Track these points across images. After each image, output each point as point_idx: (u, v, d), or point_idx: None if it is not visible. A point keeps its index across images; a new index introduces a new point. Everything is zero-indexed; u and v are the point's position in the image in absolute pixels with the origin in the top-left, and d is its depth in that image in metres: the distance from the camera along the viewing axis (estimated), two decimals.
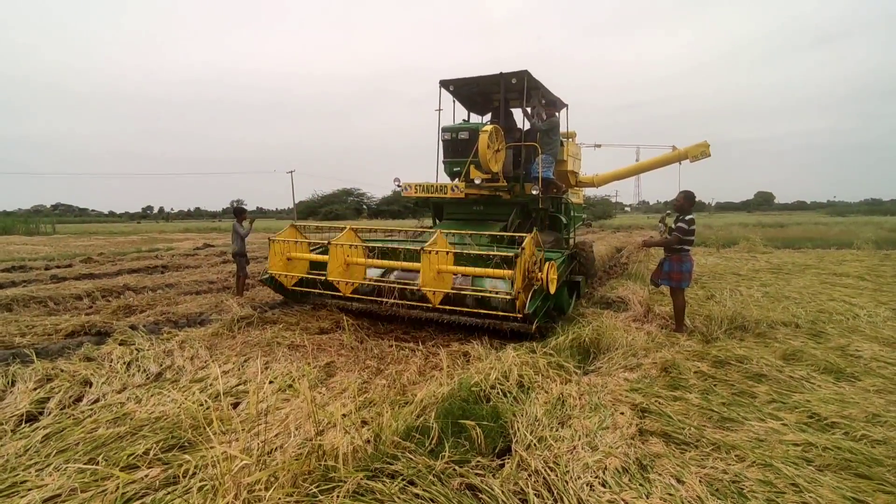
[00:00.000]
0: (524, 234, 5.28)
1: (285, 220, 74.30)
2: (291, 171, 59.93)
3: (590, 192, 13.93)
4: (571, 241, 9.35)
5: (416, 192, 7.58)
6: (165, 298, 8.25)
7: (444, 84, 8.51)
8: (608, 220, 57.49)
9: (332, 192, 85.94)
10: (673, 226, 5.98)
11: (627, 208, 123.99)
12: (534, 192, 7.62)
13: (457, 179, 7.74)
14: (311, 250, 6.62)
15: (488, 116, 9.31)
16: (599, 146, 12.87)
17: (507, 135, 8.35)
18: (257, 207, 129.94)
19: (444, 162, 8.07)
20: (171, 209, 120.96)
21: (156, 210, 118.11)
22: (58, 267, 13.05)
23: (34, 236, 31.32)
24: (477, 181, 7.27)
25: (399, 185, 7.66)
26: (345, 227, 6.29)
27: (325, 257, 5.95)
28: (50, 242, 24.96)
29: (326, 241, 6.01)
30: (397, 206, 66.46)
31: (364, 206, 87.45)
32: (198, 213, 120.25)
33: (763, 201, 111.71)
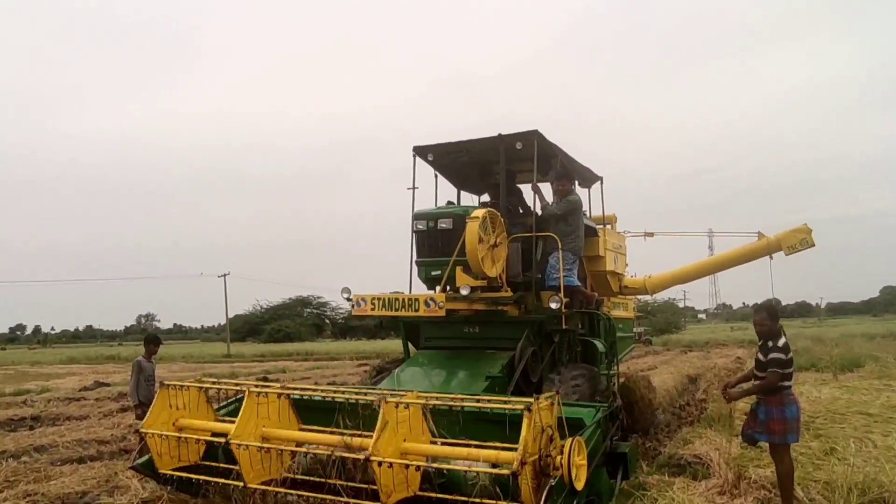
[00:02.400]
0: (523, 404, 4.57)
1: (216, 344, 73.81)
2: (225, 275, 60.05)
3: (645, 296, 14.02)
4: (616, 377, 9.08)
5: (372, 310, 7.23)
6: (33, 470, 8.03)
7: (421, 152, 8.78)
8: (675, 335, 57.30)
9: (283, 303, 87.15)
10: (763, 358, 5.98)
11: (702, 315, 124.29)
12: (553, 307, 7.58)
13: (437, 288, 7.75)
14: (217, 410, 6.13)
15: (488, 197, 9.55)
16: (651, 235, 13.13)
17: (514, 222, 8.52)
18: (175, 325, 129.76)
19: (416, 263, 8.12)
20: (52, 329, 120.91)
21: (29, 330, 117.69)
22: None
23: None
24: (465, 291, 7.20)
25: (349, 299, 7.39)
26: (243, 392, 5.55)
27: (230, 427, 5.35)
28: None
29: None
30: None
31: (326, 322, 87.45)
32: (89, 334, 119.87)
33: (893, 300, 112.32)
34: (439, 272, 7.66)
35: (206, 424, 5.94)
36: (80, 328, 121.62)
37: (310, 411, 5.82)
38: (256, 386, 5.78)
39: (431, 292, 7.77)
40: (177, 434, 5.82)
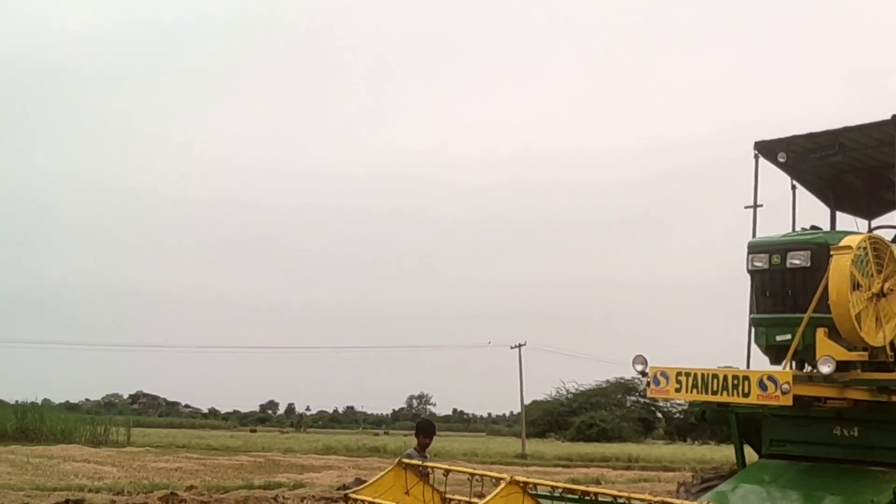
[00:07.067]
0: None
1: (507, 440, 75.24)
2: (520, 345, 62.63)
3: None
4: None
5: (677, 391, 7.12)
6: None
7: (766, 150, 8.61)
8: None
9: (597, 387, 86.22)
10: None
11: None
12: None
13: (785, 361, 7.34)
14: None
15: (885, 220, 9.14)
16: None
17: None
18: (454, 411, 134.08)
19: (753, 322, 7.92)
20: (307, 409, 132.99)
21: (282, 409, 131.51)
22: None
23: (101, 447, 38.34)
24: (826, 368, 6.61)
25: (643, 373, 7.39)
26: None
27: None
28: (121, 459, 30.41)
29: None
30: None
31: (658, 417, 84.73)
32: (350, 418, 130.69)
33: None
34: (788, 336, 7.27)
35: None
36: (340, 409, 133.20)
37: None
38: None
39: (775, 368, 7.43)
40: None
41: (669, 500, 5.85)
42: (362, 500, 6.54)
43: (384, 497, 6.62)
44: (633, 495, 5.92)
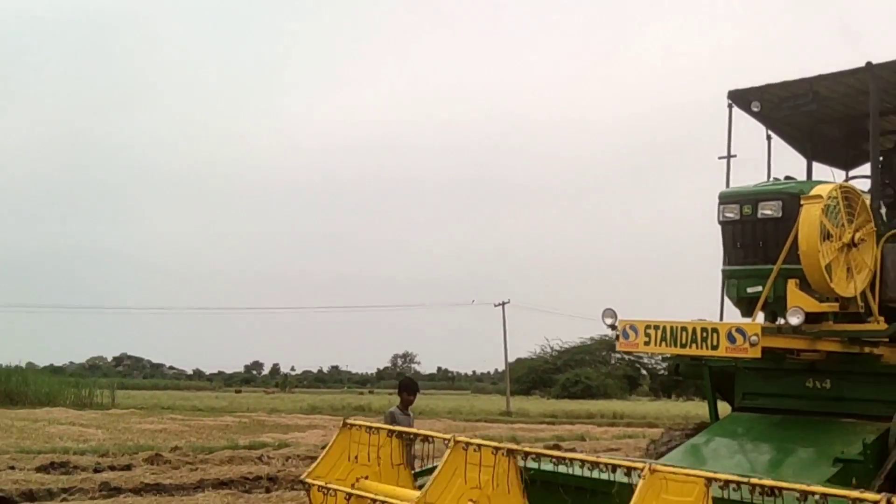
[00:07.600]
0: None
1: (491, 397, 75.15)
2: (503, 303, 63.10)
3: None
4: None
5: (646, 344, 7.10)
6: None
7: (740, 99, 8.55)
8: None
9: (581, 345, 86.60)
10: None
11: None
12: None
13: (754, 314, 7.36)
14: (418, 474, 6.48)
15: (863, 171, 9.04)
16: None
17: None
18: (439, 369, 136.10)
19: (724, 273, 7.90)
20: (292, 369, 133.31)
21: (266, 369, 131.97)
22: (112, 468, 15.96)
23: (85, 410, 38.43)
24: (795, 319, 6.62)
25: (612, 326, 7.37)
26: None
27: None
28: (106, 422, 30.50)
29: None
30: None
31: (643, 374, 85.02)
32: (334, 377, 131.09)
33: None
34: (759, 288, 7.26)
35: (392, 490, 6.05)
36: (325, 369, 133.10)
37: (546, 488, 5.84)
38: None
39: (746, 320, 7.37)
40: (349, 491, 5.97)
41: (617, 460, 5.64)
42: (318, 486, 6.17)
43: (334, 469, 6.32)
44: (574, 455, 5.69)
